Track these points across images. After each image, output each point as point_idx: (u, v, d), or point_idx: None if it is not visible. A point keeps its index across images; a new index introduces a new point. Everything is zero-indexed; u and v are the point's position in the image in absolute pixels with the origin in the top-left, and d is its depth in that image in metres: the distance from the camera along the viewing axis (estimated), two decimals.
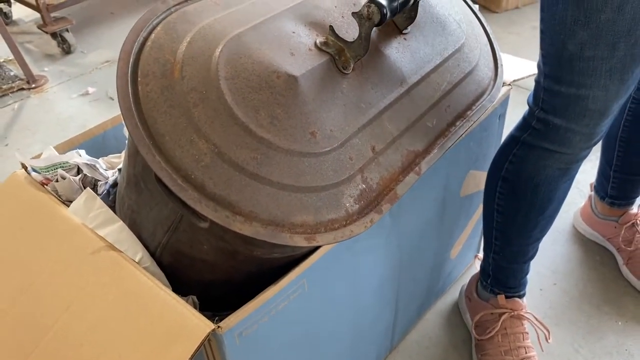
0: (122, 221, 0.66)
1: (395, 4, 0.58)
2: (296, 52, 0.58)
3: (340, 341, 0.78)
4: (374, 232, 0.71)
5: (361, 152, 0.59)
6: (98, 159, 0.81)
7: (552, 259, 1.11)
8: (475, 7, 0.83)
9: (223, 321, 0.56)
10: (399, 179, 0.61)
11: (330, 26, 0.60)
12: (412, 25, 0.68)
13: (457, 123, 0.70)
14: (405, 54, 0.67)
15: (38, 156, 0.78)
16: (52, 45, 1.98)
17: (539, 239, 0.88)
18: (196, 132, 0.52)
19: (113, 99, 1.69)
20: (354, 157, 0.58)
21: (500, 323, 0.90)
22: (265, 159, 0.52)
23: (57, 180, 0.72)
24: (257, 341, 0.60)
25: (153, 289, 0.60)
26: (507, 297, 0.91)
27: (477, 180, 0.92)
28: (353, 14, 0.58)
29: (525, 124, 0.79)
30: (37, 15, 1.93)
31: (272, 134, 0.53)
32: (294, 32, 0.60)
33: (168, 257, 0.65)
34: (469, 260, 1.09)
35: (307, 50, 0.59)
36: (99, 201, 0.67)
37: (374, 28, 0.59)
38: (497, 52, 0.81)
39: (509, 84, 0.88)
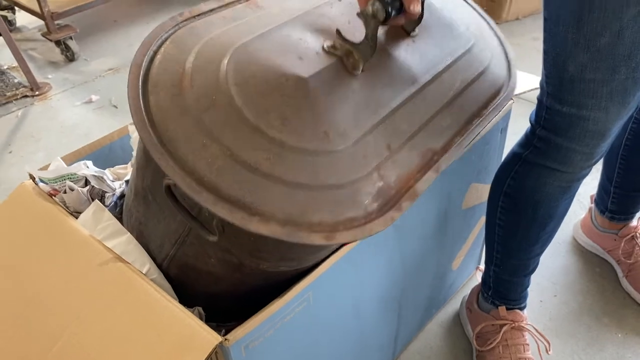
0: (129, 233, 0.67)
1: (398, 2, 0.59)
2: (304, 57, 0.58)
3: (344, 352, 0.79)
4: (378, 244, 0.73)
5: (376, 150, 0.58)
6: (105, 169, 0.82)
7: (552, 270, 1.12)
8: (482, 11, 0.83)
9: (230, 334, 0.57)
10: (417, 177, 0.59)
11: (337, 29, 0.60)
12: (419, 27, 0.68)
13: (474, 121, 0.68)
14: (414, 55, 0.67)
15: (46, 167, 0.79)
16: (56, 53, 1.99)
17: (539, 254, 0.89)
18: (208, 136, 0.52)
19: (117, 107, 1.70)
20: (369, 155, 0.57)
21: (501, 334, 0.91)
22: (278, 159, 0.52)
23: (65, 192, 0.73)
24: (263, 353, 0.61)
25: (161, 301, 0.61)
26: (508, 309, 0.92)
27: (479, 192, 0.93)
28: (358, 14, 0.59)
29: (527, 142, 0.80)
30: (41, 22, 1.95)
31: (283, 134, 0.52)
32: (300, 39, 0.61)
33: (175, 269, 0.66)
34: (470, 271, 1.10)
35: (314, 54, 0.59)
36: (107, 213, 0.68)
37: (382, 31, 0.59)
38: (508, 52, 0.81)
39: (511, 98, 0.89)
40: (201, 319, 0.67)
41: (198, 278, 0.65)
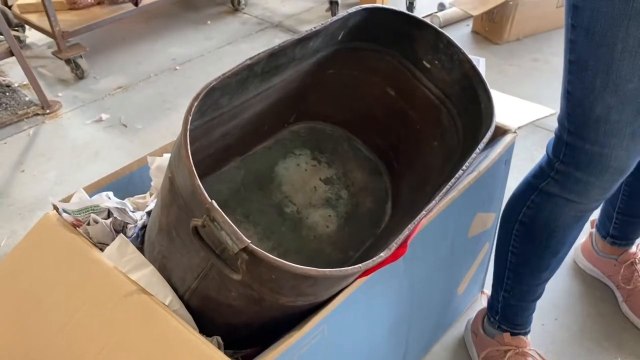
0: (152, 266, 0.70)
1: None
2: None
3: None
4: (389, 275, 0.76)
5: None
6: (125, 199, 0.85)
7: (553, 293, 1.15)
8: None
9: None
10: None
11: None
12: None
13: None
14: None
15: (68, 198, 0.82)
16: (66, 71, 2.03)
17: (547, 280, 0.93)
18: None
19: (126, 126, 1.73)
20: None
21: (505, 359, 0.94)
22: None
23: (89, 224, 0.77)
24: None
25: (183, 333, 0.64)
26: (512, 334, 0.95)
27: (484, 221, 0.96)
28: None
29: (542, 173, 0.83)
30: (51, 39, 1.98)
31: None
32: None
33: (196, 300, 0.69)
34: (474, 294, 1.13)
35: None
36: (131, 247, 0.71)
37: None
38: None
39: (514, 131, 0.93)
40: (220, 348, 0.70)
41: (218, 310, 0.68)
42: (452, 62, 0.88)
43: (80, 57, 1.98)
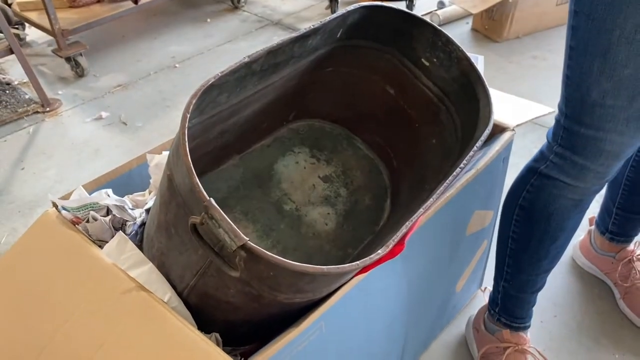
0: (151, 263, 0.71)
1: None
2: None
3: None
4: (387, 273, 0.76)
5: None
6: (124, 197, 0.85)
7: (552, 290, 1.16)
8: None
9: None
10: None
11: None
12: None
13: None
14: None
15: (68, 195, 0.82)
16: (66, 69, 2.03)
17: (547, 271, 0.93)
18: None
19: (126, 124, 1.74)
20: None
21: (504, 357, 0.94)
22: None
23: (88, 221, 0.77)
24: None
25: (181, 329, 0.64)
26: (511, 332, 0.96)
27: (482, 218, 0.96)
28: None
29: (542, 157, 0.86)
30: (51, 37, 1.99)
31: None
32: None
33: (195, 298, 0.69)
34: (472, 291, 1.13)
35: None
36: (130, 244, 0.71)
37: None
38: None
39: (513, 129, 0.93)
40: (218, 344, 0.70)
41: (217, 307, 0.69)
42: (451, 60, 0.88)
43: (80, 55, 1.98)
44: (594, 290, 1.16)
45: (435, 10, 2.30)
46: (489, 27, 2.16)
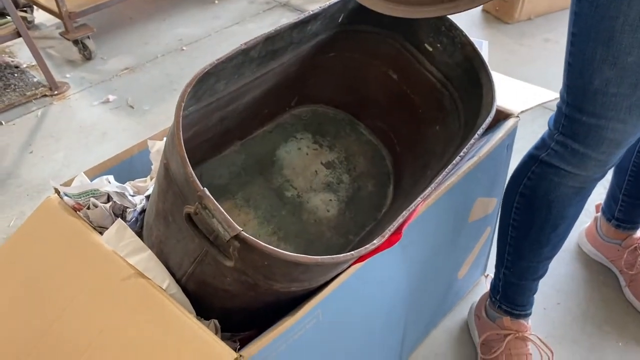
0: (150, 250, 0.71)
1: None
2: None
3: None
4: (386, 261, 0.76)
5: None
6: (126, 183, 0.86)
7: (556, 277, 1.15)
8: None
9: (244, 349, 0.61)
10: None
11: None
12: None
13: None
14: None
15: (70, 182, 0.83)
16: (73, 51, 2.03)
17: (549, 258, 0.92)
18: None
19: (133, 107, 1.74)
20: None
21: (505, 344, 0.94)
22: None
23: (89, 208, 0.77)
24: None
25: (179, 317, 0.65)
26: (512, 319, 0.96)
27: (485, 206, 0.95)
28: None
29: (544, 144, 0.84)
30: (58, 20, 1.98)
31: None
32: None
33: (193, 285, 0.69)
34: (475, 278, 1.13)
35: None
36: (129, 231, 0.72)
37: None
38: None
39: (517, 116, 0.92)
40: (217, 332, 0.71)
41: (214, 294, 0.69)
42: (454, 45, 0.87)
43: (88, 37, 1.98)
44: (599, 277, 1.16)
45: None
46: (500, 9, 2.12)
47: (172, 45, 2.05)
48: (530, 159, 0.86)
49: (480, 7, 2.22)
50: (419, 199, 0.66)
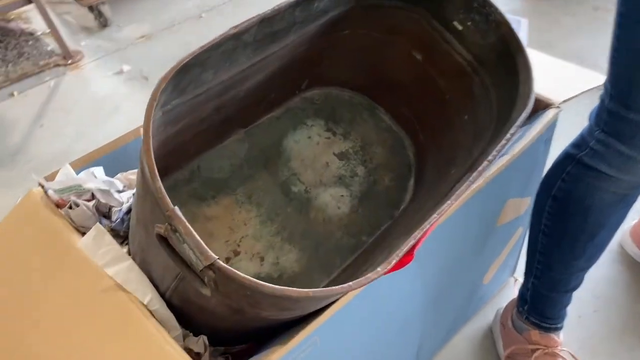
0: (131, 259, 0.64)
1: None
2: None
3: None
4: (397, 276, 0.67)
5: None
6: (116, 175, 0.78)
7: (594, 282, 1.04)
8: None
9: None
10: None
11: None
12: None
13: None
14: None
15: (54, 175, 0.76)
16: (89, 18, 1.95)
17: (584, 269, 0.82)
18: None
19: (147, 79, 1.66)
20: None
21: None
22: None
23: (70, 207, 0.70)
24: None
25: (156, 339, 0.58)
26: (541, 333, 0.86)
27: (517, 207, 0.85)
28: None
29: (582, 142, 0.73)
30: None
31: None
32: None
33: (177, 301, 0.62)
34: (503, 280, 1.03)
35: None
36: (108, 237, 0.64)
37: None
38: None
39: (558, 106, 0.80)
40: (205, 349, 0.64)
41: (200, 313, 0.61)
42: (488, 24, 0.75)
43: (103, 3, 1.89)
44: None
45: None
46: None
47: (190, 12, 1.95)
48: (567, 158, 0.75)
49: None
50: (434, 215, 0.56)
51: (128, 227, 0.72)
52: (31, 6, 1.73)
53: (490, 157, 0.62)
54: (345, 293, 0.53)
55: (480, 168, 0.61)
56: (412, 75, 0.88)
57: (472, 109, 0.81)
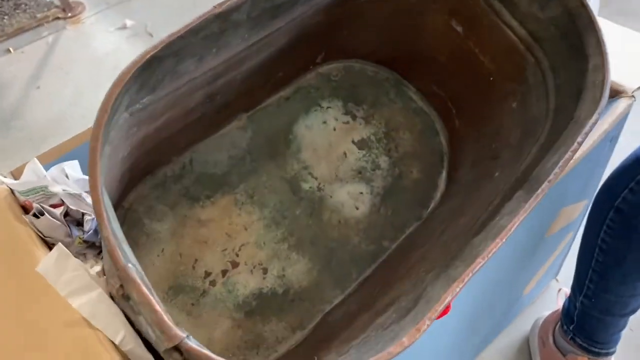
0: (101, 288, 0.52)
1: None
2: None
3: None
4: None
5: None
6: None
7: None
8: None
9: None
10: None
11: None
12: None
13: None
14: None
15: (20, 169, 0.64)
16: None
17: None
18: None
19: (152, 35, 1.52)
20: None
21: None
22: None
23: (34, 215, 0.59)
24: None
25: None
26: (591, 358, 0.74)
27: (570, 214, 0.71)
28: None
29: None
30: None
31: None
32: None
33: None
34: (543, 285, 0.90)
35: None
36: (72, 261, 0.53)
37: None
38: None
39: (631, 95, 0.64)
40: None
41: None
42: None
43: None
44: None
45: None
46: None
47: None
48: (635, 164, 0.61)
49: None
50: (479, 259, 0.43)
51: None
52: None
53: (551, 177, 0.48)
54: None
55: (538, 191, 0.47)
56: (449, 49, 0.73)
57: (522, 96, 0.66)
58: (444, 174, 0.77)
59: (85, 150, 0.66)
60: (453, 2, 0.67)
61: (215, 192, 0.68)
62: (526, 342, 0.86)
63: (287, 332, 0.65)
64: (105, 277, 0.52)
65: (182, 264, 0.64)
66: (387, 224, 0.73)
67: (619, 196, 0.64)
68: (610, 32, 0.71)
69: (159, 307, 0.33)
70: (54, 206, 0.61)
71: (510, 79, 0.67)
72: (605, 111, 0.64)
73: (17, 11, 1.60)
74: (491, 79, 0.70)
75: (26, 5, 1.63)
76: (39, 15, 1.59)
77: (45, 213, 0.58)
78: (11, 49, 1.52)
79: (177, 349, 0.34)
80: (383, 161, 0.76)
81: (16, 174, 0.67)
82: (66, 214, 0.61)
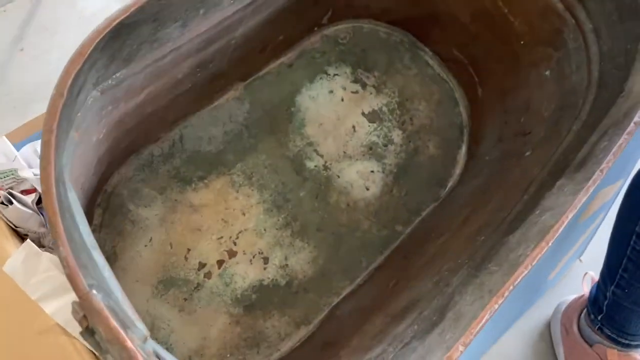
0: None
1: None
2: None
3: None
4: None
5: None
6: None
7: None
8: None
9: None
10: None
11: None
12: None
13: None
14: None
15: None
16: None
17: None
18: None
19: None
20: None
21: None
22: None
23: (2, 203, 0.52)
24: None
25: None
26: (620, 350, 0.68)
27: (604, 196, 0.64)
28: None
29: None
30: None
31: None
32: None
33: None
34: (567, 267, 0.84)
35: None
36: (44, 261, 0.46)
37: None
38: None
39: None
40: None
41: None
42: None
43: None
44: None
45: None
46: None
47: None
48: None
49: None
50: (521, 270, 0.36)
51: None
52: None
53: (603, 166, 0.40)
54: None
55: (589, 183, 0.40)
56: (473, 8, 0.64)
57: (558, 63, 0.58)
58: (463, 149, 0.70)
59: None
60: None
61: (209, 173, 0.61)
62: (547, 328, 0.80)
63: (291, 328, 0.59)
64: None
65: (173, 255, 0.57)
66: (401, 206, 0.66)
67: None
68: None
69: (129, 342, 0.26)
70: (26, 192, 0.54)
71: (545, 43, 0.59)
72: None
73: None
74: (522, 42, 0.62)
75: None
76: None
77: (15, 201, 0.51)
78: None
79: None
80: (396, 135, 0.68)
81: None
82: (39, 201, 0.54)
